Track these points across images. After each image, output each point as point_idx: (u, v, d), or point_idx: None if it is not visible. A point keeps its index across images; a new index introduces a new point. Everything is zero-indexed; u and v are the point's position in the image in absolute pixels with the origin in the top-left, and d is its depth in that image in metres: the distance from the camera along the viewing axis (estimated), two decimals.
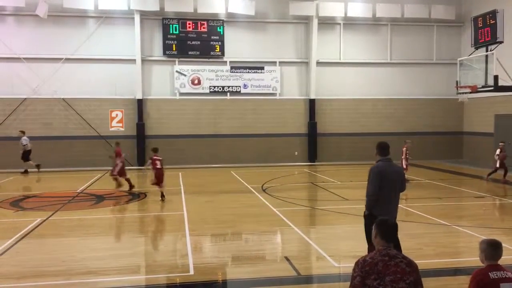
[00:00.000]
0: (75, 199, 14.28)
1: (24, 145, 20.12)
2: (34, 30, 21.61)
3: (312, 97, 23.81)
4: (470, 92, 17.48)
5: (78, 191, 15.68)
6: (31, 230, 10.08)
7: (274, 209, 12.18)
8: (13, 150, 20.95)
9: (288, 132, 23.84)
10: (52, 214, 11.76)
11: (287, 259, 7.94)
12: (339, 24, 24.08)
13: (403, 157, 16.54)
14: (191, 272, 7.29)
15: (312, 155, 23.71)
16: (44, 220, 11.05)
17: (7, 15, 21.47)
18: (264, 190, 15.29)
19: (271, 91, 23.76)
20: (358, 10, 23.46)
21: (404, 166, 16.17)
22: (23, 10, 21.04)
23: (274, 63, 23.68)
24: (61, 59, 21.78)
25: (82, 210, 12.72)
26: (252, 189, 15.55)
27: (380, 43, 24.53)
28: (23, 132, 20.49)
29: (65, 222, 11.22)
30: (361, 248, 7.02)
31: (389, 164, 6.53)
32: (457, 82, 18.33)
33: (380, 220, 3.95)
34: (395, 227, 3.90)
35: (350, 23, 24.02)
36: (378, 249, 3.73)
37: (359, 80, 24.37)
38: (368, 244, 6.46)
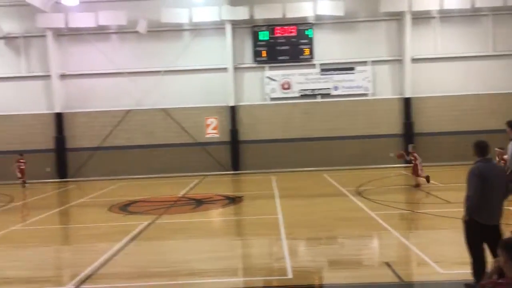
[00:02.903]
0: (176, 204, 15.04)
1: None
2: (135, 46, 23.19)
3: (408, 95, 22.87)
4: None
5: (179, 195, 16.50)
6: (139, 233, 10.78)
7: (371, 213, 11.86)
8: (119, 158, 22.68)
9: (381, 133, 23.09)
10: (157, 218, 12.50)
11: (387, 264, 7.69)
12: (435, 18, 22.90)
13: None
14: (289, 275, 7.32)
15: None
16: (150, 224, 11.78)
17: (111, 33, 23.27)
18: (359, 193, 14.95)
19: (363, 92, 23.22)
20: (455, 2, 22.15)
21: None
22: (125, 28, 22.68)
23: (365, 62, 23.12)
24: (160, 71, 23.14)
25: (184, 214, 13.37)
26: (346, 192, 15.28)
27: (480, 35, 22.91)
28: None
29: (168, 225, 11.86)
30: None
31: (490, 165, 6.04)
32: None
33: (508, 243, 3.52)
34: None
35: (446, 16, 22.74)
36: None
37: (458, 75, 22.93)
38: (469, 252, 6.04)
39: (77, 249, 10.30)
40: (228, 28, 22.77)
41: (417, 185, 15.88)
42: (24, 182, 20.89)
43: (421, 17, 22.72)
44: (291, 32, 23.03)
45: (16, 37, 22.92)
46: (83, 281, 7.42)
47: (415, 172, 16.01)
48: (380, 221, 10.93)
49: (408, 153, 17.14)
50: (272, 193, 16.03)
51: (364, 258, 8.48)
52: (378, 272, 7.53)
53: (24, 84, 23.12)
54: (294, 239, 9.80)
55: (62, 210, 15.50)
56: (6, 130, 22.91)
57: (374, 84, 23.22)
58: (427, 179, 16.08)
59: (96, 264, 8.27)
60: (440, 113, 22.95)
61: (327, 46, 23.10)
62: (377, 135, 23.06)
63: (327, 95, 23.29)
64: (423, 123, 22.93)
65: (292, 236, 9.94)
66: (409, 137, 22.68)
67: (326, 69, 23.19)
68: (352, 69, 23.14)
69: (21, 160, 20.94)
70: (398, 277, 7.11)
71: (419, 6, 22.17)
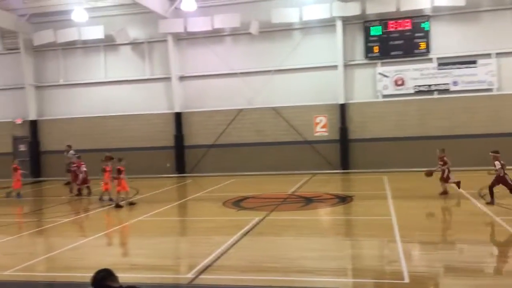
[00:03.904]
0: (286, 201, 15.26)
1: (70, 158, 21.30)
2: (247, 47, 23.93)
3: None
4: None
5: (288, 193, 16.71)
6: (251, 228, 11.13)
7: (496, 218, 10.94)
8: (232, 155, 23.63)
9: (508, 131, 21.13)
10: (268, 214, 12.79)
11: None
12: None
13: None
14: (406, 280, 7.05)
15: None
16: (262, 220, 12.09)
17: (225, 35, 24.27)
18: (481, 196, 13.85)
19: (486, 87, 21.45)
20: None
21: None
22: (238, 30, 23.51)
23: (488, 55, 21.34)
24: (270, 71, 23.62)
25: (293, 211, 13.52)
26: (467, 195, 14.26)
27: None
28: (69, 147, 21.91)
29: (279, 222, 12.09)
30: None
31: None
32: None
33: None
34: None
35: None
36: None
37: None
38: None
39: (195, 240, 10.94)
40: (339, 24, 22.48)
41: (445, 192, 14.54)
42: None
43: None
44: (405, 26, 22.05)
45: (141, 43, 24.94)
46: (201, 271, 7.87)
47: (444, 177, 14.65)
48: (508, 227, 10.03)
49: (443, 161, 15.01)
50: (384, 193, 15.53)
51: (487, 266, 7.87)
52: (503, 282, 6.94)
53: (148, 86, 25.09)
54: (410, 242, 9.39)
55: (181, 203, 16.57)
56: (133, 128, 25.05)
57: (500, 78, 21.33)
58: (458, 184, 14.62)
59: (213, 256, 8.71)
60: None
61: (445, 39, 21.73)
62: (503, 133, 21.13)
63: (445, 91, 21.91)
64: None
65: (407, 239, 9.53)
66: None
67: (444, 63, 21.83)
68: (474, 62, 21.49)
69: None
70: None
71: None
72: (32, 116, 26.23)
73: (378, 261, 8.52)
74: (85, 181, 18.18)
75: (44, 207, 17.33)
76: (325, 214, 13.52)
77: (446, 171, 14.73)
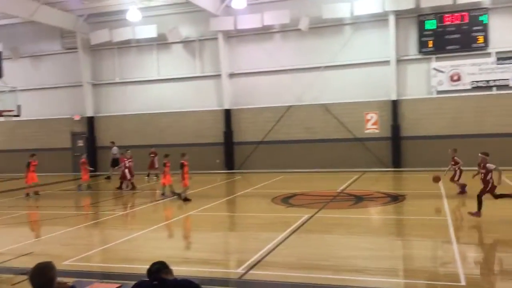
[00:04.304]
0: (336, 199, 15.09)
1: (114, 154, 22.14)
2: (296, 43, 23.81)
3: None
4: None
5: (338, 191, 16.51)
6: (300, 225, 11.09)
7: None
8: (280, 152, 23.63)
9: None
10: (317, 212, 12.70)
11: None
12: None
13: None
14: (462, 282, 6.79)
15: None
16: (311, 217, 12.02)
17: (275, 32, 24.25)
18: None
19: None
20: None
21: None
22: (287, 26, 23.43)
23: None
24: (320, 67, 23.38)
25: (343, 209, 13.34)
26: None
27: None
28: (113, 143, 23.50)
29: (328, 219, 11.97)
30: None
31: None
32: None
33: None
34: None
35: None
36: None
37: None
38: None
39: (244, 236, 11.03)
40: (391, 19, 21.93)
41: (462, 192, 14.04)
42: (155, 175, 22.05)
43: None
44: (462, 19, 21.19)
45: (192, 41, 25.37)
46: (251, 266, 7.92)
47: (454, 178, 14.24)
48: None
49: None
50: (438, 192, 15.00)
51: None
52: None
53: (198, 83, 25.52)
54: (466, 244, 9.06)
55: (230, 199, 16.76)
56: (184, 125, 25.57)
57: None
58: (462, 188, 14.08)
59: (262, 252, 8.74)
60: None
61: (505, 32, 20.71)
62: None
63: (504, 87, 20.90)
64: None
65: (464, 241, 9.20)
66: None
67: (504, 57, 20.82)
68: None
69: (152, 154, 21.97)
70: None
71: None
72: (89, 113, 27.33)
73: (432, 262, 8.25)
74: (125, 176, 18.80)
75: (100, 200, 18.02)
76: (376, 213, 13.25)
77: (458, 171, 14.36)
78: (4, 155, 28.08)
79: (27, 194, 17.98)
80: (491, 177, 10.86)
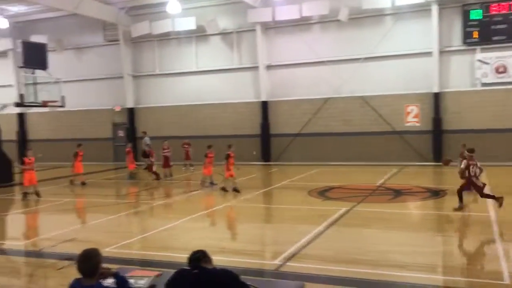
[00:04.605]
0: (374, 192, 14.86)
1: (147, 144, 21.82)
2: (336, 34, 23.46)
3: None
4: None
5: (377, 184, 16.25)
6: (338, 219, 10.99)
7: None
8: (317, 145, 23.46)
9: None
10: (356, 205, 12.55)
11: None
12: None
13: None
14: (506, 281, 6.56)
15: None
16: (349, 210, 11.89)
17: (313, 23, 23.96)
18: None
19: None
20: None
21: None
22: (326, 17, 23.10)
23: None
24: (359, 59, 22.98)
25: (381, 203, 13.13)
26: None
27: None
28: (145, 133, 23.69)
29: (366, 213, 11.81)
30: None
31: None
32: None
33: None
34: None
35: None
36: None
37: None
38: None
39: (280, 228, 11.03)
40: (434, 9, 21.26)
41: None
42: (190, 165, 22.34)
43: None
44: (510, 9, 20.30)
45: (230, 33, 25.43)
46: (288, 259, 7.92)
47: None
48: None
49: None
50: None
51: None
52: None
53: (236, 75, 25.58)
54: (511, 241, 8.73)
55: (267, 191, 16.77)
56: (222, 116, 25.74)
57: None
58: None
59: (299, 244, 8.72)
60: None
61: None
62: None
63: None
64: None
65: (508, 238, 8.87)
66: None
67: None
68: None
69: (186, 145, 22.56)
70: None
71: None
72: (130, 104, 27.93)
73: (474, 259, 8.02)
74: (151, 168, 19.20)
75: (140, 189, 18.44)
76: (415, 208, 12.97)
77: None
78: (50, 144, 29.12)
79: (71, 182, 18.64)
80: (469, 173, 10.99)
